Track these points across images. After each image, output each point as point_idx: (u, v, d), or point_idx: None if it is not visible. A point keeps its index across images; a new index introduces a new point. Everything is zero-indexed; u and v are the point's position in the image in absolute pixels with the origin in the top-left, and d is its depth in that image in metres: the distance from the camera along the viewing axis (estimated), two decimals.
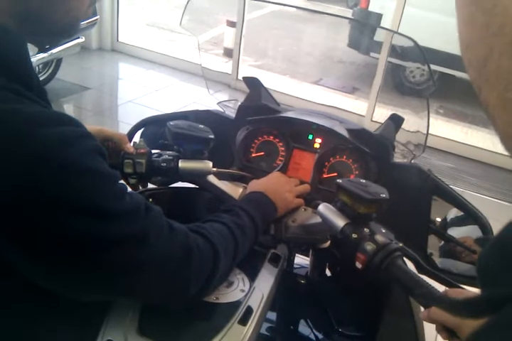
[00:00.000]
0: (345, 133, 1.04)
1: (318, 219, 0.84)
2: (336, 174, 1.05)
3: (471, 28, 0.29)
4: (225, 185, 0.99)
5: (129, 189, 0.75)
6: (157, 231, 0.62)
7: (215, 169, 0.95)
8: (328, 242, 0.92)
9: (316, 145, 1.07)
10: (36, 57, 3.00)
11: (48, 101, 0.61)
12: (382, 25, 4.00)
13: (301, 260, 1.04)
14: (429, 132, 1.05)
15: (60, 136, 0.53)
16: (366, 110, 3.55)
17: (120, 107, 3.71)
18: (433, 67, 1.11)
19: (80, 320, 0.67)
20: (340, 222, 0.77)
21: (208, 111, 1.16)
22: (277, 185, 0.94)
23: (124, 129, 0.99)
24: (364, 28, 4.52)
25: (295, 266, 1.02)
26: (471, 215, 0.96)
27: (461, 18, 0.31)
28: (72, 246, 0.54)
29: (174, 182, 1.09)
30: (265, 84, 1.18)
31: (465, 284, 0.84)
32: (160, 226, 0.63)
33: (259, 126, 1.10)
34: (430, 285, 0.64)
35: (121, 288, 0.62)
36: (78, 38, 3.39)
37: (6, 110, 0.51)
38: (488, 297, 0.27)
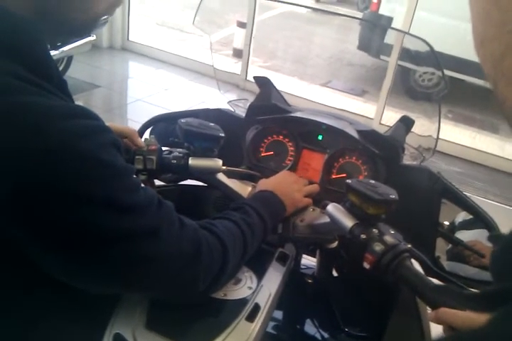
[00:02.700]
0: (355, 134, 1.04)
1: (327, 219, 0.84)
2: (345, 175, 1.05)
3: (487, 24, 0.29)
4: (234, 184, 0.99)
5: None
6: (168, 226, 0.62)
7: (224, 167, 0.95)
8: (336, 242, 0.92)
9: (326, 146, 1.07)
10: None
11: (67, 93, 0.61)
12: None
13: (308, 261, 1.04)
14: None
15: (77, 129, 0.53)
16: (375, 113, 3.55)
17: (129, 105, 3.73)
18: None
19: (89, 312, 0.68)
20: (348, 222, 0.76)
21: (218, 110, 1.17)
22: (286, 184, 0.94)
23: (133, 127, 0.99)
24: (374, 30, 4.51)
25: (302, 266, 1.02)
26: (480, 218, 0.95)
27: (475, 15, 0.31)
28: (84, 238, 0.55)
29: (183, 180, 1.09)
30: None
31: (473, 288, 0.84)
32: (171, 221, 0.64)
33: (269, 126, 1.10)
34: (439, 284, 0.64)
35: (130, 281, 0.62)
36: (89, 36, 3.42)
37: (24, 102, 0.52)
38: (502, 288, 0.28)
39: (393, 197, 0.75)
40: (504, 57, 0.28)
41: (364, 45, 4.63)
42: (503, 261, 0.29)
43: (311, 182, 1.03)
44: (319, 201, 0.96)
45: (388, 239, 0.71)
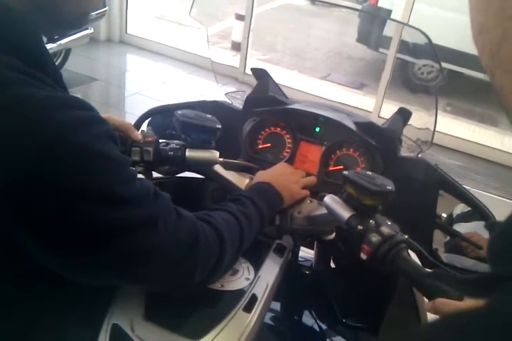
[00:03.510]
0: (352, 126, 1.04)
1: (324, 211, 0.84)
2: (342, 167, 1.05)
3: (486, 12, 0.30)
4: (231, 176, 0.99)
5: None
6: (165, 217, 0.62)
7: (221, 159, 0.95)
8: (333, 234, 0.92)
9: (323, 138, 1.07)
10: None
11: (63, 85, 0.61)
12: None
13: (306, 253, 1.05)
14: (437, 129, 1.04)
15: (72, 120, 0.53)
16: (374, 106, 3.54)
17: (127, 99, 3.72)
18: (442, 64, 1.10)
19: (87, 303, 0.68)
20: (345, 213, 0.77)
21: (215, 102, 1.16)
22: (284, 176, 0.94)
23: (130, 120, 0.99)
24: (373, 22, 4.49)
25: (300, 258, 1.02)
26: (477, 210, 0.95)
27: (474, 4, 0.31)
28: (81, 230, 0.55)
29: (180, 172, 1.09)
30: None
31: None
32: (168, 212, 0.64)
33: (266, 118, 1.10)
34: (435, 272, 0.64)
35: (127, 273, 0.63)
36: (87, 29, 3.40)
37: (21, 94, 0.52)
38: (497, 273, 0.28)
39: (390, 188, 0.75)
40: (502, 45, 0.28)
41: (363, 38, 4.61)
42: (498, 247, 0.29)
43: (308, 174, 1.03)
44: (316, 193, 0.96)
45: (385, 229, 0.71)
